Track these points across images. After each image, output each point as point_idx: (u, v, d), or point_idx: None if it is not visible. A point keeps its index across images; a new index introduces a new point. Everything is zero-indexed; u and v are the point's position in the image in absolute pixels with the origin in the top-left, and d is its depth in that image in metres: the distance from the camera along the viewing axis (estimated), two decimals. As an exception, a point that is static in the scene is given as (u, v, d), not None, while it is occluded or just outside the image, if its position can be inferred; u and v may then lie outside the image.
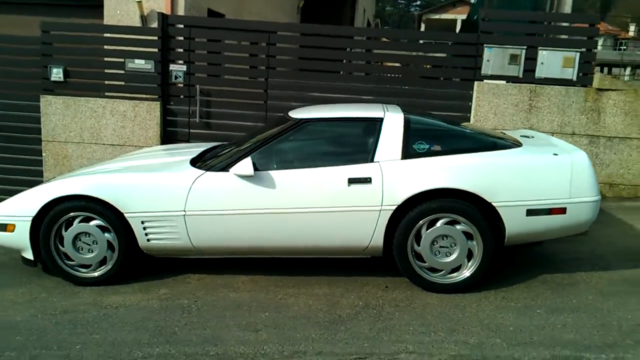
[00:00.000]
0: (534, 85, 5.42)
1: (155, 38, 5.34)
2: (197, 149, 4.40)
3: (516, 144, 3.57)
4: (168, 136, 5.55)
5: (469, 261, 3.38)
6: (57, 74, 5.39)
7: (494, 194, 3.27)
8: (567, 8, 6.39)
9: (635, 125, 5.49)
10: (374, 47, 5.70)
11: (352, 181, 3.34)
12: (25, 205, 3.50)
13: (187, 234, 3.44)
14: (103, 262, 3.54)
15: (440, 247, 3.36)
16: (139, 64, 5.40)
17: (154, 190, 3.44)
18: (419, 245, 3.37)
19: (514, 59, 5.46)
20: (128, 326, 3.01)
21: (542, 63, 5.44)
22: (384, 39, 5.85)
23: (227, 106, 5.55)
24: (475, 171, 3.32)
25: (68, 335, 2.91)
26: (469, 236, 3.34)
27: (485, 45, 5.42)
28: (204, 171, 3.47)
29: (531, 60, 5.42)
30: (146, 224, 3.44)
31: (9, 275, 3.75)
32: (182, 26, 5.42)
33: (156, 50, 5.35)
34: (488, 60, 5.47)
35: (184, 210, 3.40)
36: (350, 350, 2.76)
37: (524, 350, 2.74)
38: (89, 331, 2.95)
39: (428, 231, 3.34)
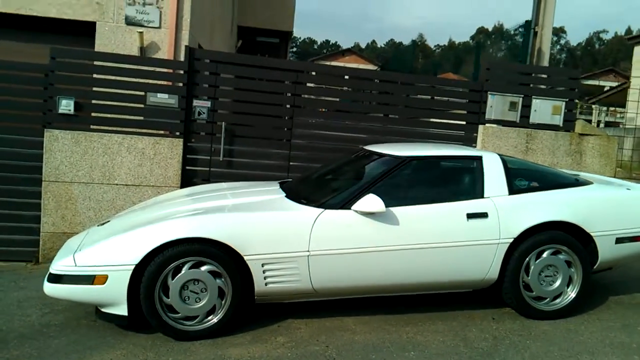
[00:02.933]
0: (529, 129, 6.05)
1: (182, 72, 5.04)
2: (232, 190, 4.14)
3: (589, 181, 3.99)
4: (187, 176, 5.18)
5: (567, 287, 3.66)
6: (66, 105, 4.79)
7: (591, 225, 3.62)
8: (545, 62, 7.30)
9: (607, 165, 6.36)
10: (392, 90, 5.96)
11: (470, 216, 3.47)
12: (121, 251, 3.07)
13: (308, 276, 3.28)
14: (211, 311, 3.21)
15: (546, 276, 3.60)
16: (162, 98, 5.02)
17: (274, 230, 3.24)
18: (528, 276, 3.57)
19: (513, 105, 6.06)
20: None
21: (535, 110, 6.11)
22: (401, 83, 6.11)
23: (249, 144, 5.37)
24: (575, 205, 3.64)
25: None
26: (568, 264, 3.62)
27: (489, 92, 5.96)
28: (323, 209, 3.36)
29: (525, 107, 6.06)
30: (266, 267, 3.21)
31: (85, 336, 3.20)
32: (208, 61, 5.20)
33: (181, 84, 5.05)
34: (491, 106, 6.01)
35: (308, 251, 3.25)
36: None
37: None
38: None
39: (537, 261, 3.57)
